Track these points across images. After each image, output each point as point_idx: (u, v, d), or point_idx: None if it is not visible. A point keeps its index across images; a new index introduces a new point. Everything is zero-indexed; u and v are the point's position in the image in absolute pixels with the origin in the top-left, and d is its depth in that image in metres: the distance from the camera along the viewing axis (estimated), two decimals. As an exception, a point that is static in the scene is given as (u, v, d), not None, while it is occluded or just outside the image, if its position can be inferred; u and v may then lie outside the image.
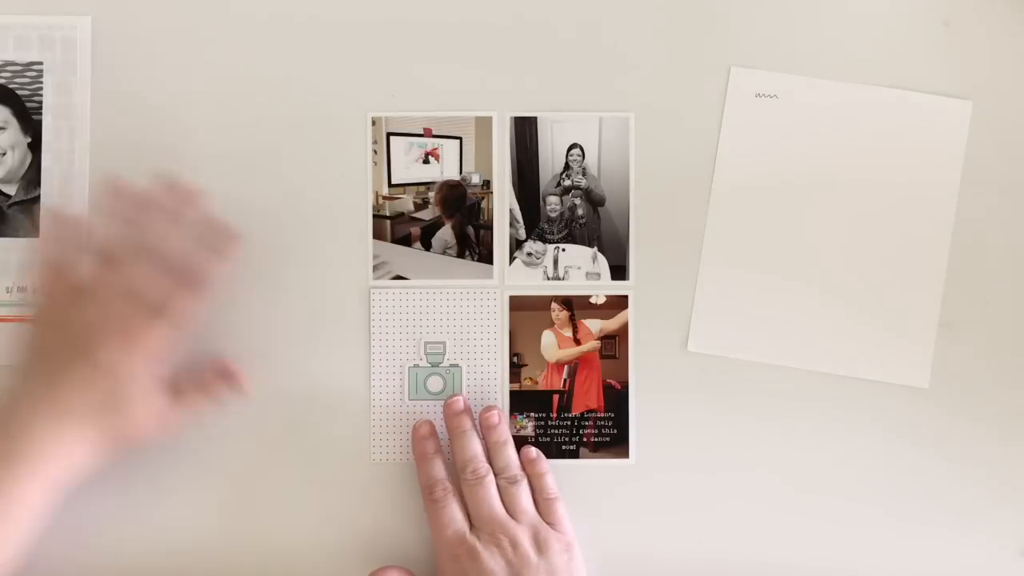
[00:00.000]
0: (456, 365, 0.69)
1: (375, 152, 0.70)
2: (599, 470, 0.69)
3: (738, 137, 0.70)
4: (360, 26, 0.70)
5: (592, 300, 0.70)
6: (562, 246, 0.70)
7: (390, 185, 0.70)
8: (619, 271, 0.70)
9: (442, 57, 0.70)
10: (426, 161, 0.70)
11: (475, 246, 0.70)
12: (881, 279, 0.69)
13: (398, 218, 0.70)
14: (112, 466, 0.63)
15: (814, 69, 0.70)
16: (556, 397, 0.69)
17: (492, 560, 0.62)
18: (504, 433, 0.67)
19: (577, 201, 0.70)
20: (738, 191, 0.69)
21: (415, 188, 0.70)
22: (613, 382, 0.69)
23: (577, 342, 0.70)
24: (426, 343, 0.69)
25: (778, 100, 0.70)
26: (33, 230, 0.68)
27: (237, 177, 0.69)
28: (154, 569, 0.67)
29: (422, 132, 0.70)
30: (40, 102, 0.69)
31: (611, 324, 0.70)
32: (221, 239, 0.65)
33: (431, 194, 0.70)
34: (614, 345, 0.70)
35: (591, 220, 0.70)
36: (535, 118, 0.70)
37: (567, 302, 0.70)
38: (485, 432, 0.67)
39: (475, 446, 0.66)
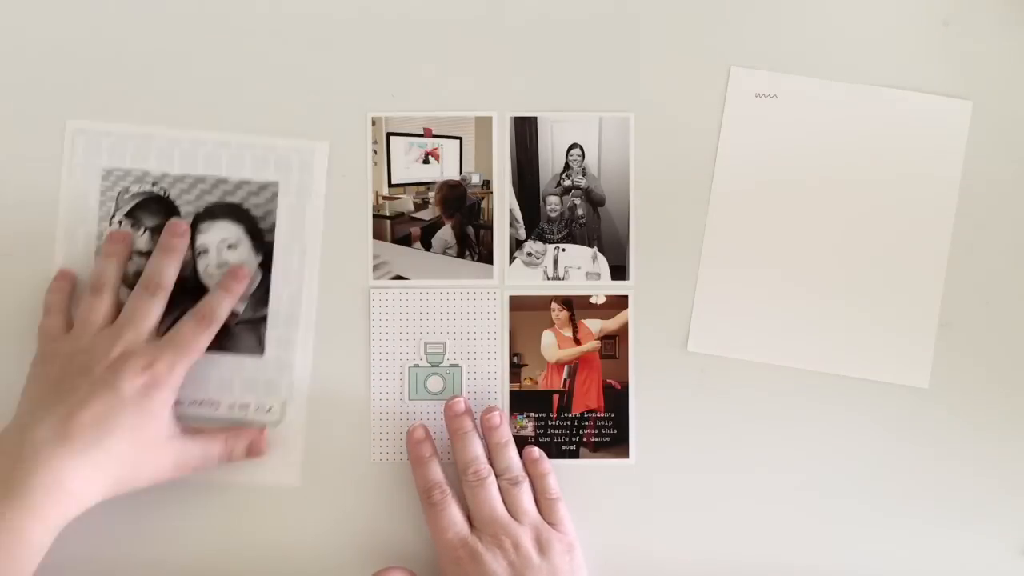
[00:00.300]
0: (456, 365, 0.69)
1: (375, 152, 0.70)
2: (599, 470, 0.69)
3: (738, 137, 0.70)
4: (360, 26, 0.70)
5: (592, 300, 0.70)
6: (562, 246, 0.70)
7: (390, 185, 0.70)
8: (619, 271, 0.70)
9: (442, 57, 0.70)
10: (426, 161, 0.70)
11: (475, 246, 0.70)
12: (881, 279, 0.69)
13: (398, 218, 0.70)
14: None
15: (814, 69, 0.70)
16: (556, 397, 0.69)
17: (494, 561, 0.62)
18: (505, 434, 0.67)
19: (577, 201, 0.70)
20: (738, 191, 0.69)
21: (415, 188, 0.70)
22: (613, 382, 0.69)
23: (577, 342, 0.70)
24: (426, 343, 0.69)
25: (778, 100, 0.70)
26: (258, 349, 0.68)
27: (237, 177, 0.69)
28: (154, 569, 0.67)
29: (422, 132, 0.70)
30: (273, 223, 0.69)
31: (611, 324, 0.70)
32: (231, 276, 0.67)
33: (431, 194, 0.70)
34: (614, 345, 0.70)
35: (591, 220, 0.70)
36: (535, 118, 0.70)
37: (567, 302, 0.70)
38: (486, 433, 0.67)
39: (476, 447, 0.66)
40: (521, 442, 0.68)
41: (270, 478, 0.68)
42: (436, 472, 0.66)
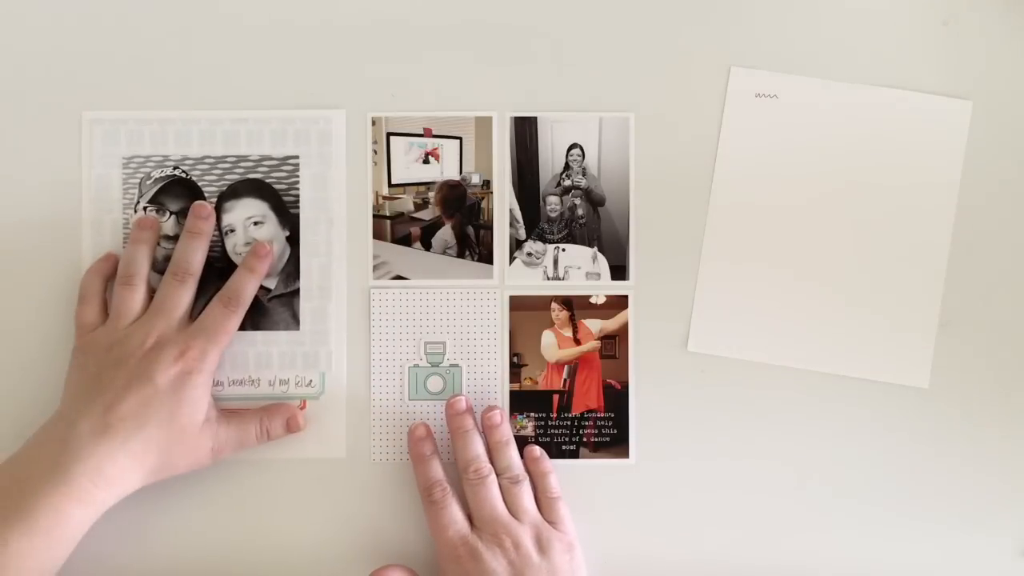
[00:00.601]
0: (456, 365, 0.69)
1: (375, 152, 0.70)
2: (599, 470, 0.69)
3: (738, 137, 0.70)
4: (360, 26, 0.70)
5: (592, 300, 0.70)
6: (562, 246, 0.70)
7: (390, 185, 0.70)
8: (619, 271, 0.70)
9: (442, 57, 0.70)
10: (426, 161, 0.70)
11: (475, 246, 0.70)
12: (881, 279, 0.69)
13: (398, 218, 0.70)
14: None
15: (814, 69, 0.70)
16: (556, 397, 0.69)
17: (494, 560, 0.62)
18: (506, 433, 0.67)
19: (577, 201, 0.70)
20: (738, 191, 0.69)
21: (415, 188, 0.70)
22: (613, 382, 0.69)
23: (577, 342, 0.70)
24: (426, 343, 0.69)
25: (778, 100, 0.70)
26: (293, 323, 0.69)
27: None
28: (154, 570, 0.67)
29: (422, 132, 0.70)
30: (297, 196, 0.69)
31: (611, 324, 0.70)
32: (254, 255, 0.67)
33: (431, 194, 0.70)
34: (614, 345, 0.70)
35: (591, 220, 0.70)
36: (535, 118, 0.70)
37: (567, 302, 0.70)
38: (487, 431, 0.67)
39: (477, 446, 0.66)
40: (521, 442, 0.68)
41: (313, 451, 0.68)
42: (437, 470, 0.66)
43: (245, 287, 0.66)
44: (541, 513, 0.65)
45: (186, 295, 0.65)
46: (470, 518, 0.65)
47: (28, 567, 0.58)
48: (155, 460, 0.62)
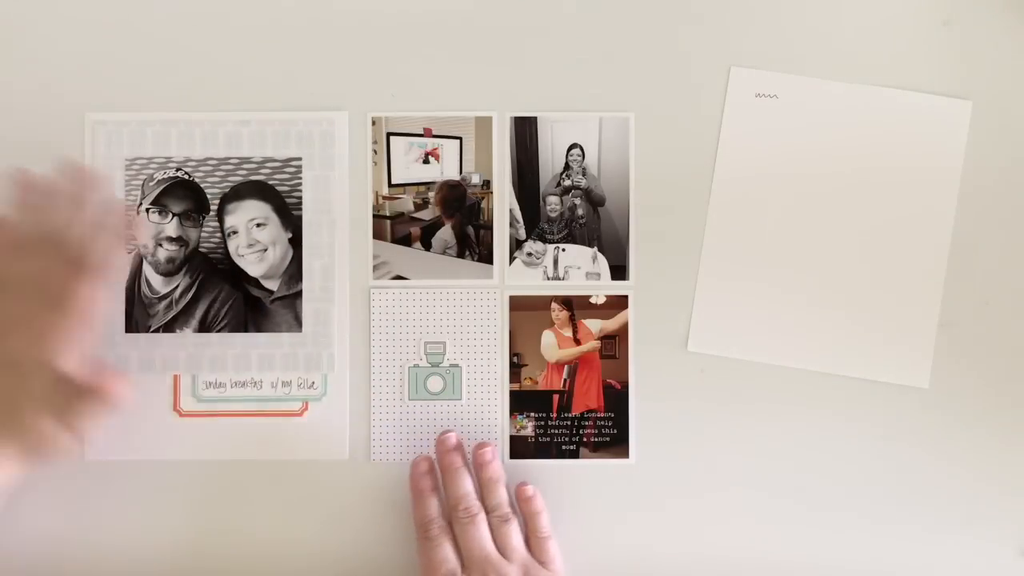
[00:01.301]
0: (456, 365, 0.69)
1: (375, 152, 0.70)
2: (599, 470, 0.69)
3: (738, 137, 0.70)
4: (360, 26, 0.70)
5: (592, 300, 0.70)
6: (562, 246, 0.70)
7: (390, 185, 0.70)
8: (619, 271, 0.70)
9: (442, 57, 0.70)
10: (426, 161, 0.70)
11: (475, 246, 0.70)
12: (881, 279, 0.69)
13: (398, 218, 0.70)
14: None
15: (814, 69, 0.70)
16: (556, 397, 0.69)
17: None
18: (497, 471, 0.67)
19: (577, 201, 0.70)
20: (738, 191, 0.69)
21: (415, 188, 0.70)
22: (613, 382, 0.69)
23: (577, 342, 0.70)
24: (426, 343, 0.69)
25: (778, 100, 0.70)
26: (296, 325, 0.69)
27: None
28: (154, 570, 0.67)
29: (422, 132, 0.70)
30: (299, 198, 0.69)
31: (611, 324, 0.70)
32: (121, 222, 0.65)
33: (431, 194, 0.70)
34: (614, 345, 0.70)
35: (591, 220, 0.70)
36: (535, 118, 0.70)
37: (567, 302, 0.70)
38: (477, 469, 0.67)
39: (467, 484, 0.66)
40: (521, 443, 0.68)
41: (316, 453, 0.69)
42: (435, 508, 0.66)
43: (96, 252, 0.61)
44: (531, 552, 0.65)
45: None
46: (461, 557, 0.64)
47: None
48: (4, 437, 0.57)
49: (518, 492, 0.67)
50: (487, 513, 0.65)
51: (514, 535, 0.65)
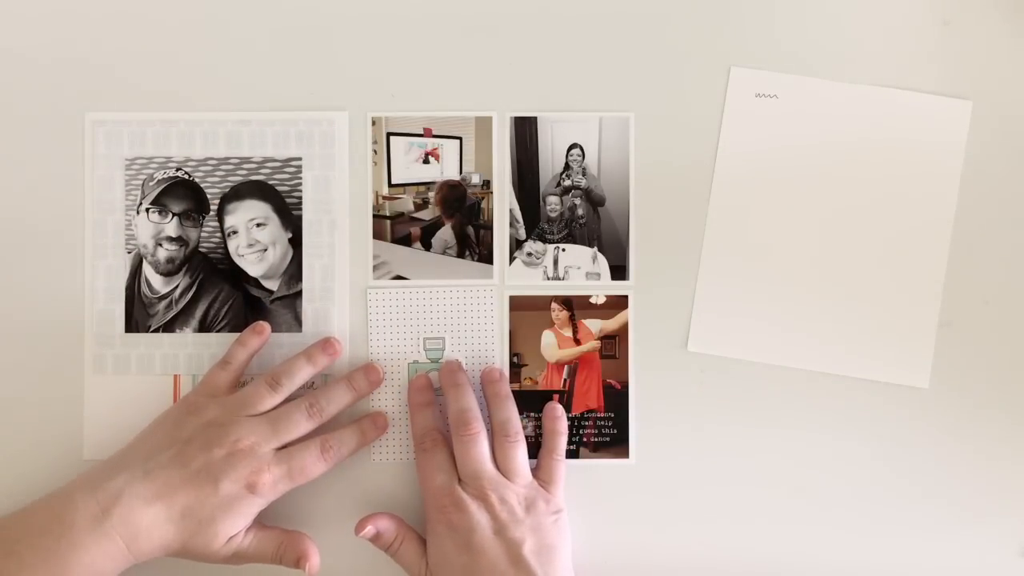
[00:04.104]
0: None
1: (375, 152, 0.70)
2: (599, 470, 0.69)
3: (738, 137, 0.70)
4: (360, 26, 0.70)
5: (592, 300, 0.70)
6: (562, 246, 0.70)
7: (390, 185, 0.70)
8: (619, 271, 0.70)
9: (442, 57, 0.70)
10: (426, 161, 0.70)
11: (475, 246, 0.70)
12: (881, 279, 0.69)
13: (398, 218, 0.70)
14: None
15: (814, 69, 0.70)
16: (556, 397, 0.69)
17: (478, 512, 0.62)
18: (505, 388, 0.67)
19: (577, 201, 0.70)
20: (738, 191, 0.70)
21: (415, 188, 0.70)
22: (613, 382, 0.69)
23: (577, 342, 0.70)
24: (425, 339, 0.69)
25: (778, 100, 0.70)
26: (296, 325, 0.69)
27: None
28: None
29: (422, 132, 0.70)
30: (299, 198, 0.69)
31: (611, 324, 0.70)
32: (371, 428, 0.67)
33: (431, 194, 0.70)
34: (614, 345, 0.70)
35: (591, 220, 0.70)
36: (535, 118, 0.70)
37: (567, 302, 0.70)
38: (485, 386, 0.67)
39: (470, 399, 0.65)
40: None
41: None
42: (431, 419, 0.66)
43: (347, 446, 0.65)
44: (538, 472, 0.65)
45: (305, 428, 0.64)
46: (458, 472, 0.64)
47: None
48: (180, 549, 0.61)
49: (547, 410, 0.68)
50: (495, 430, 0.65)
51: (520, 457, 0.64)
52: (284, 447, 0.63)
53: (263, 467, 0.62)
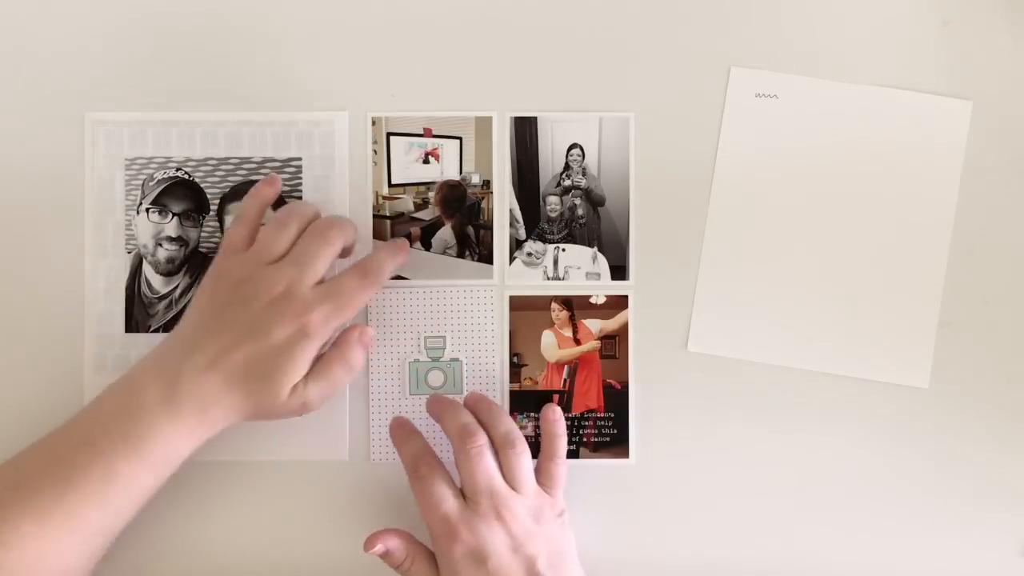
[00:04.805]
0: (456, 359, 0.69)
1: (375, 152, 0.70)
2: (599, 470, 0.69)
3: (738, 137, 0.70)
4: (360, 26, 0.70)
5: (592, 300, 0.70)
6: (562, 246, 0.70)
7: (390, 185, 0.70)
8: (619, 271, 0.70)
9: (442, 57, 0.70)
10: (426, 161, 0.70)
11: (475, 246, 0.70)
12: (881, 279, 0.69)
13: (398, 218, 0.70)
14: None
15: (814, 69, 0.70)
16: (556, 397, 0.69)
17: (491, 533, 0.60)
18: (495, 402, 0.66)
19: (577, 201, 0.70)
20: (738, 191, 0.70)
21: (415, 188, 0.70)
22: (613, 382, 0.69)
23: (577, 342, 0.70)
24: (426, 338, 0.69)
25: (778, 100, 0.70)
26: None
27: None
28: (155, 570, 0.68)
29: (422, 132, 0.70)
30: (299, 198, 0.69)
31: (611, 324, 0.70)
32: (400, 245, 0.67)
33: (431, 194, 0.70)
34: (614, 345, 0.70)
35: (591, 220, 0.70)
36: (535, 118, 0.70)
37: (567, 302, 0.70)
38: (474, 405, 0.66)
39: (467, 414, 0.64)
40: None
41: (316, 454, 0.69)
42: (421, 443, 0.65)
43: (385, 266, 0.64)
44: (540, 476, 0.64)
45: (328, 254, 0.63)
46: (462, 491, 0.63)
47: (137, 495, 0.59)
48: (252, 409, 0.61)
49: (546, 412, 0.67)
50: (496, 443, 0.63)
51: (526, 465, 0.63)
52: (321, 283, 0.62)
53: (307, 307, 0.61)
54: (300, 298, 0.61)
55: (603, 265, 0.70)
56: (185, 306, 0.69)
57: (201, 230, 0.69)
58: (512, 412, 0.69)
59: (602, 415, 0.69)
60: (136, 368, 0.62)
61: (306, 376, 0.62)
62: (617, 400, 0.69)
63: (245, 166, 0.69)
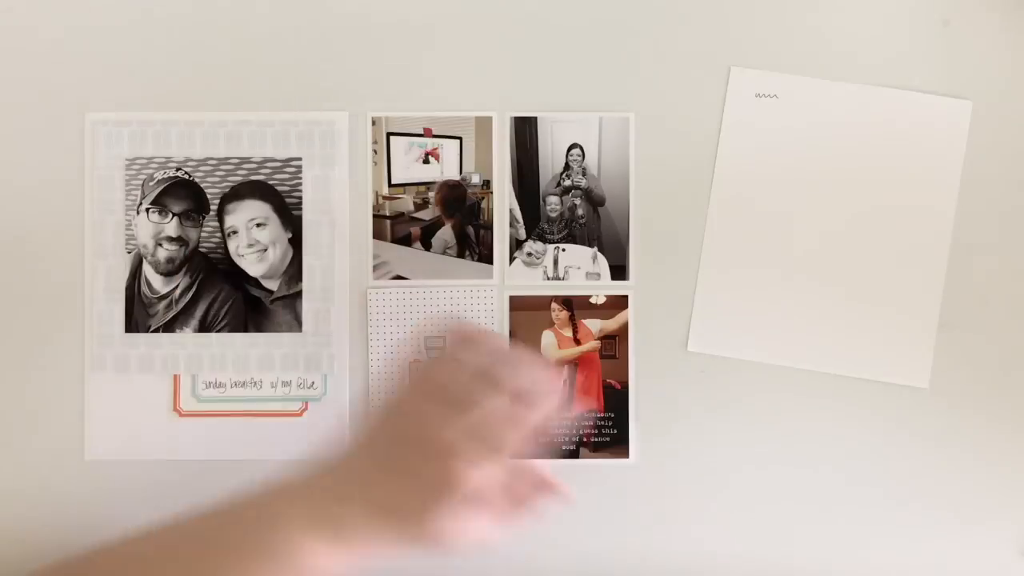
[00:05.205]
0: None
1: (375, 152, 0.70)
2: (599, 470, 0.69)
3: (738, 137, 0.70)
4: (360, 26, 0.70)
5: (592, 300, 0.70)
6: (562, 246, 0.70)
7: (390, 185, 0.70)
8: (619, 271, 0.70)
9: (442, 57, 0.70)
10: (426, 161, 0.70)
11: (475, 246, 0.70)
12: (881, 279, 0.69)
13: (398, 218, 0.70)
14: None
15: (814, 69, 0.70)
16: (556, 397, 0.69)
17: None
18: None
19: (577, 201, 0.70)
20: (738, 191, 0.70)
21: (415, 188, 0.70)
22: (613, 382, 0.69)
23: (577, 342, 0.70)
24: (426, 338, 0.69)
25: (778, 100, 0.70)
26: (296, 325, 0.69)
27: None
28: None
29: (422, 132, 0.70)
30: (299, 198, 0.69)
31: (611, 324, 0.70)
32: (547, 385, 0.54)
33: (431, 194, 0.70)
34: (614, 345, 0.70)
35: (591, 220, 0.70)
36: (535, 118, 0.70)
37: (567, 302, 0.70)
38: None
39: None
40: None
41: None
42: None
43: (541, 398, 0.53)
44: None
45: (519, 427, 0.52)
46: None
47: None
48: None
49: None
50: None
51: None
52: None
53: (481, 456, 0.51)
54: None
55: (603, 265, 0.70)
56: (185, 306, 0.69)
57: (201, 230, 0.69)
58: (512, 412, 0.69)
59: (602, 415, 0.69)
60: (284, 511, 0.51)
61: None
62: (617, 400, 0.69)
63: (245, 166, 0.69)
